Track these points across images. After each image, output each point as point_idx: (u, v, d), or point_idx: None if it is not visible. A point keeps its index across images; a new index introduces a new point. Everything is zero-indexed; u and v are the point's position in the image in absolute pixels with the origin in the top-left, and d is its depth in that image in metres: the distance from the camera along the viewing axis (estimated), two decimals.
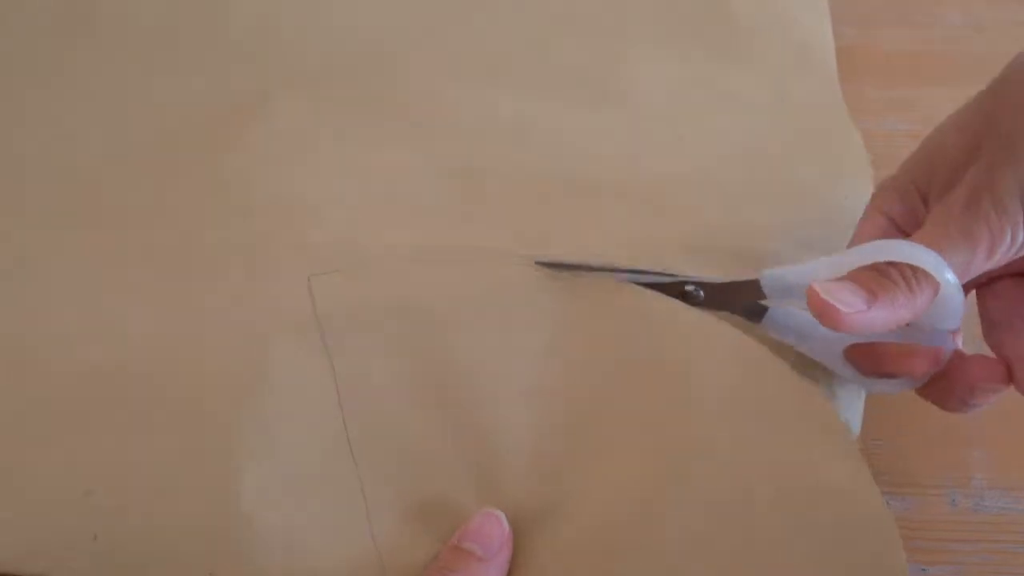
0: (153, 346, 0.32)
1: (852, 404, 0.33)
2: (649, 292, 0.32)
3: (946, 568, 0.31)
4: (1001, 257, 0.27)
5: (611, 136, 0.42)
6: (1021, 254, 0.27)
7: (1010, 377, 0.29)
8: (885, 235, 0.30)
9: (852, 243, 0.31)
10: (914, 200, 0.30)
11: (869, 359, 0.30)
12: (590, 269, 0.33)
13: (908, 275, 0.26)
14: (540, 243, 0.35)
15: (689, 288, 0.32)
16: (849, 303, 0.26)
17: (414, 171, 0.39)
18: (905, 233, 0.30)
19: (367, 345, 0.32)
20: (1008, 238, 0.26)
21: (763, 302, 0.31)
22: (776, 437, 0.30)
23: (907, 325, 0.28)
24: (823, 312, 0.26)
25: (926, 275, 0.26)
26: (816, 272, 0.28)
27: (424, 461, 0.30)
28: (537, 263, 0.33)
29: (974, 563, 0.31)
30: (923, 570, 0.30)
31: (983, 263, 0.27)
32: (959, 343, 0.30)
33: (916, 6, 0.48)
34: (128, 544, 0.28)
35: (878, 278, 0.26)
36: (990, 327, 0.30)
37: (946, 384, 0.30)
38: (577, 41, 0.46)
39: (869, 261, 0.27)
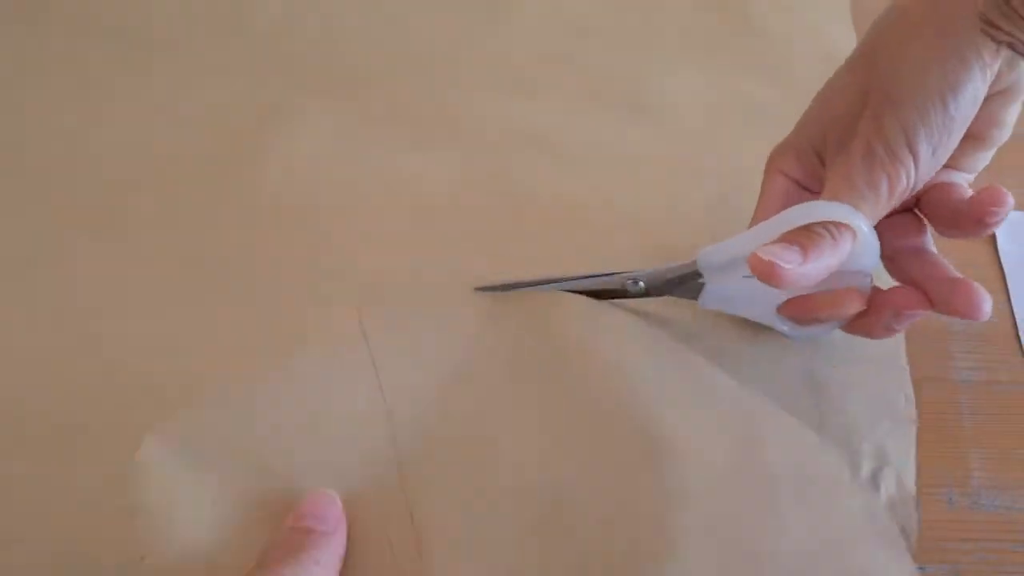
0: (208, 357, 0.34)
1: (904, 450, 0.33)
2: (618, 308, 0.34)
3: (943, 567, 0.30)
4: (900, 196, 0.30)
5: (640, 149, 0.42)
6: (915, 191, 0.30)
7: (930, 301, 0.32)
8: (788, 193, 0.33)
9: (759, 203, 0.33)
10: (811, 158, 0.32)
11: (804, 309, 0.33)
12: (529, 285, 0.35)
13: (830, 227, 0.29)
14: (563, 261, 0.37)
15: (629, 282, 0.34)
16: (789, 259, 0.28)
17: (439, 181, 0.40)
18: (806, 189, 0.33)
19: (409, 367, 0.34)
20: (904, 180, 0.29)
21: (700, 280, 0.33)
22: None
23: (832, 274, 0.30)
24: (768, 272, 0.28)
25: (844, 225, 0.29)
26: (747, 242, 0.30)
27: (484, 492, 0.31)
28: (476, 289, 0.35)
29: (971, 562, 0.30)
30: (920, 569, 0.30)
31: (887, 205, 0.30)
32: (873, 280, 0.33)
33: None
34: (176, 563, 0.28)
35: (806, 234, 0.29)
36: (890, 259, 0.33)
37: (869, 317, 0.33)
38: (603, 54, 0.47)
39: (792, 225, 0.29)
